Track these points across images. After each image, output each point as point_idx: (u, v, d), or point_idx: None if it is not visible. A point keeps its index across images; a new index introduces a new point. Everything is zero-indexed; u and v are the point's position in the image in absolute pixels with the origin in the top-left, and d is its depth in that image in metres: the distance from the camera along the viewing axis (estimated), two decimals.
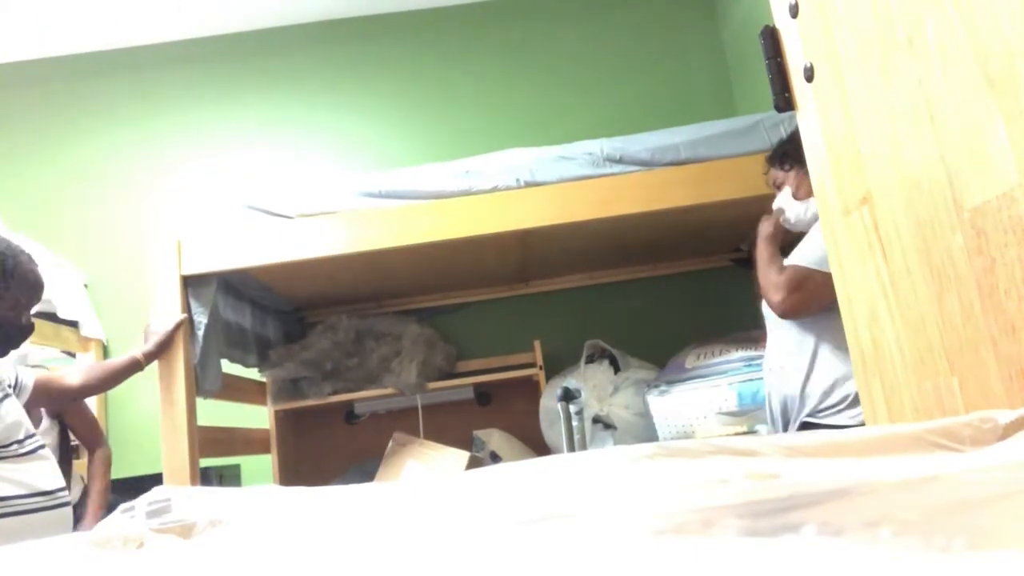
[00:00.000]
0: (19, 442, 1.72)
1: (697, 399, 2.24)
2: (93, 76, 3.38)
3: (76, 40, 3.30)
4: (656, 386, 2.35)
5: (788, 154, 1.86)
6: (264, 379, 2.80)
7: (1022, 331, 0.72)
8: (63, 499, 1.77)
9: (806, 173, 1.77)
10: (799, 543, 0.32)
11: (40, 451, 1.78)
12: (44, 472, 1.76)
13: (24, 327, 1.81)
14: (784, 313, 1.75)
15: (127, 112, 3.36)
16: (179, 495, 0.67)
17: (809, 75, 1.08)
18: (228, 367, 2.46)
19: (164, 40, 3.39)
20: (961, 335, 0.82)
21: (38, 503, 1.69)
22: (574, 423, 2.30)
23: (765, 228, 1.93)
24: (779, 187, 1.89)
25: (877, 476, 0.55)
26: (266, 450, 2.76)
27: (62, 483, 1.80)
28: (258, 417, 2.81)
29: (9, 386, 1.86)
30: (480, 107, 3.34)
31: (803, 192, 1.82)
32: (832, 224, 1.10)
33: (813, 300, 1.68)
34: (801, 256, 1.75)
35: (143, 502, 0.65)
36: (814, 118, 1.11)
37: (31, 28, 3.16)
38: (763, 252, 1.87)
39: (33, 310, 1.84)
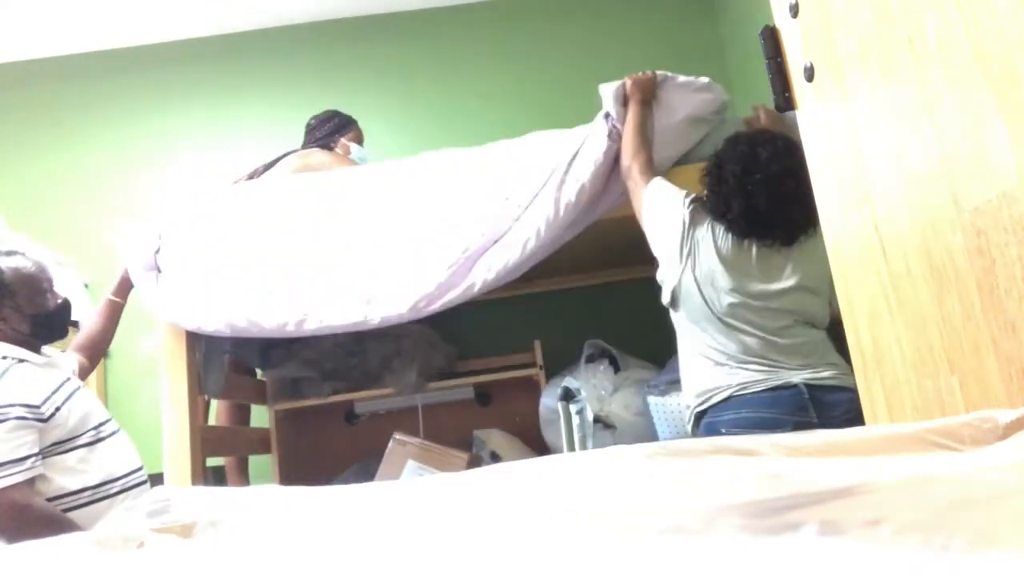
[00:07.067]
0: (95, 429, 1.84)
1: None
2: (93, 76, 3.38)
3: (76, 40, 3.30)
4: (656, 386, 2.35)
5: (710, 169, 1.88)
6: (264, 379, 2.80)
7: (1022, 330, 0.72)
8: (135, 480, 1.89)
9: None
10: (800, 542, 0.32)
11: (113, 436, 1.90)
12: (116, 456, 1.88)
13: (59, 307, 1.93)
14: (623, 173, 1.97)
15: (128, 112, 3.35)
16: (179, 495, 0.67)
17: (809, 75, 1.08)
18: None
19: (164, 40, 3.39)
20: (961, 335, 0.82)
21: (107, 491, 1.81)
22: (574, 423, 2.30)
23: (645, 91, 2.04)
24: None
25: (877, 476, 0.55)
26: (266, 450, 2.76)
27: (136, 463, 1.94)
28: (258, 417, 2.81)
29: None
30: (479, 106, 3.33)
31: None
32: (832, 224, 1.10)
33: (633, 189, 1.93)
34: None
35: (143, 502, 0.65)
36: (814, 118, 1.11)
37: (31, 28, 3.16)
38: (637, 117, 1.99)
39: (52, 285, 1.95)
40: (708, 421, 1.73)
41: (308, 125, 2.88)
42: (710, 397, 1.72)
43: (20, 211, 3.10)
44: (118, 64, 3.38)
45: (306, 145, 2.82)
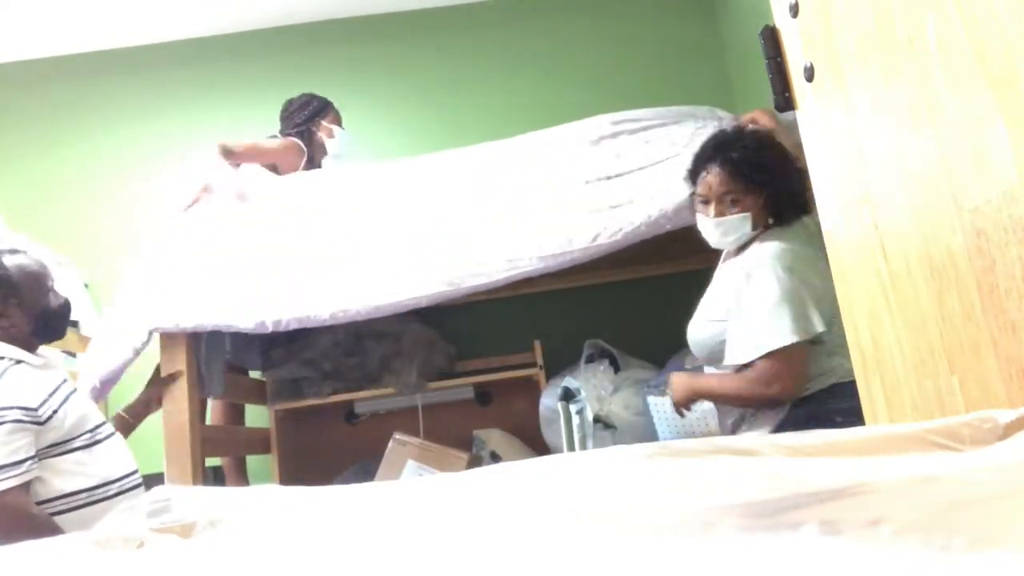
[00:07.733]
0: (91, 431, 1.83)
1: None
2: (93, 76, 3.38)
3: (76, 40, 3.30)
4: (656, 386, 2.35)
5: (764, 167, 1.66)
6: (264, 379, 2.80)
7: (1022, 330, 0.72)
8: (132, 483, 1.87)
9: (764, 200, 1.69)
10: (799, 542, 0.32)
11: (109, 439, 1.88)
12: (113, 459, 1.86)
13: (61, 307, 1.92)
14: (787, 397, 1.59)
15: (128, 112, 3.35)
16: (179, 495, 0.67)
17: (809, 75, 1.08)
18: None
19: (165, 40, 3.39)
20: (961, 335, 0.82)
21: (105, 493, 1.79)
22: (574, 423, 2.30)
23: (686, 388, 1.77)
24: (735, 202, 1.71)
25: (877, 476, 0.55)
26: (266, 450, 2.76)
27: (131, 466, 1.92)
28: (258, 417, 2.81)
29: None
30: (480, 107, 3.34)
31: (760, 221, 1.72)
32: (832, 224, 1.10)
33: (801, 374, 1.56)
34: (760, 337, 1.57)
35: (143, 502, 0.65)
36: (814, 118, 1.11)
37: (31, 28, 3.16)
38: (712, 391, 1.73)
39: (54, 284, 1.94)
40: (813, 409, 1.55)
41: (285, 110, 2.83)
42: (810, 384, 1.58)
43: (20, 211, 3.10)
44: (118, 64, 3.38)
45: (284, 131, 2.79)
